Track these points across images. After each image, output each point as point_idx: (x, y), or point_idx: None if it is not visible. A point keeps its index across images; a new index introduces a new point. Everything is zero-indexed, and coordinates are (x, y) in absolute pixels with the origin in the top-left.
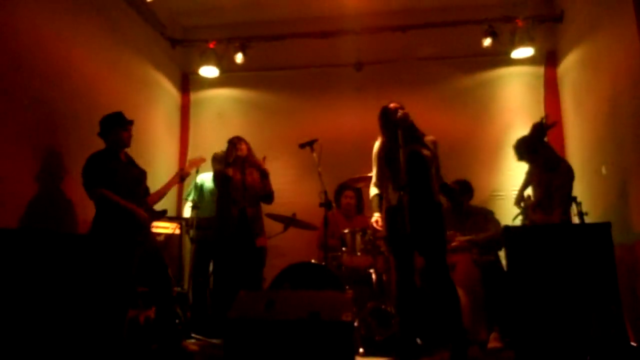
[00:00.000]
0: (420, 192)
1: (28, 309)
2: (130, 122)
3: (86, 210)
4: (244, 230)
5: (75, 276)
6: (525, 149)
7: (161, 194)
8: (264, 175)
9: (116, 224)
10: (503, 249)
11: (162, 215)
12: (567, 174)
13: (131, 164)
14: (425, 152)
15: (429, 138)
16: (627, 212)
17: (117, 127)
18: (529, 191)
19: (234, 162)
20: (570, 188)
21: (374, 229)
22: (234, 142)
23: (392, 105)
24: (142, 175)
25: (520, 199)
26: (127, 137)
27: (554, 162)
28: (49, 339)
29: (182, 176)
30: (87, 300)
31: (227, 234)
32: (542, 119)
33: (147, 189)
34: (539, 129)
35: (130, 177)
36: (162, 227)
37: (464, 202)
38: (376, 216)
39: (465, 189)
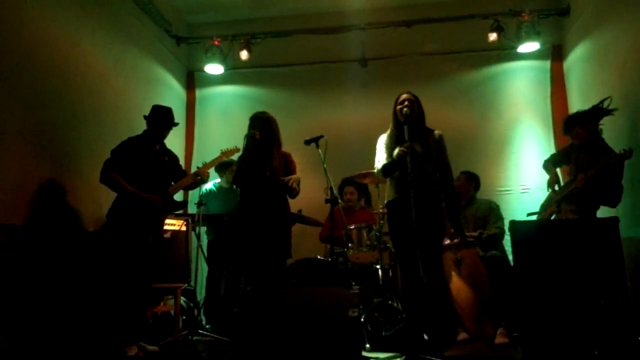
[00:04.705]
0: (419, 189)
1: (33, 304)
2: (175, 124)
3: (94, 207)
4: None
5: (78, 273)
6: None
7: (178, 187)
8: (288, 167)
9: (129, 209)
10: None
11: (183, 206)
12: None
13: (164, 152)
14: (419, 149)
15: (436, 133)
16: (635, 206)
17: (160, 124)
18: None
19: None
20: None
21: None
22: (251, 123)
23: (403, 96)
24: (171, 163)
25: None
26: (163, 135)
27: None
28: (56, 336)
29: (197, 176)
30: (94, 296)
31: (249, 230)
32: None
33: (176, 176)
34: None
35: (156, 165)
36: (168, 224)
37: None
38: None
39: (472, 179)
